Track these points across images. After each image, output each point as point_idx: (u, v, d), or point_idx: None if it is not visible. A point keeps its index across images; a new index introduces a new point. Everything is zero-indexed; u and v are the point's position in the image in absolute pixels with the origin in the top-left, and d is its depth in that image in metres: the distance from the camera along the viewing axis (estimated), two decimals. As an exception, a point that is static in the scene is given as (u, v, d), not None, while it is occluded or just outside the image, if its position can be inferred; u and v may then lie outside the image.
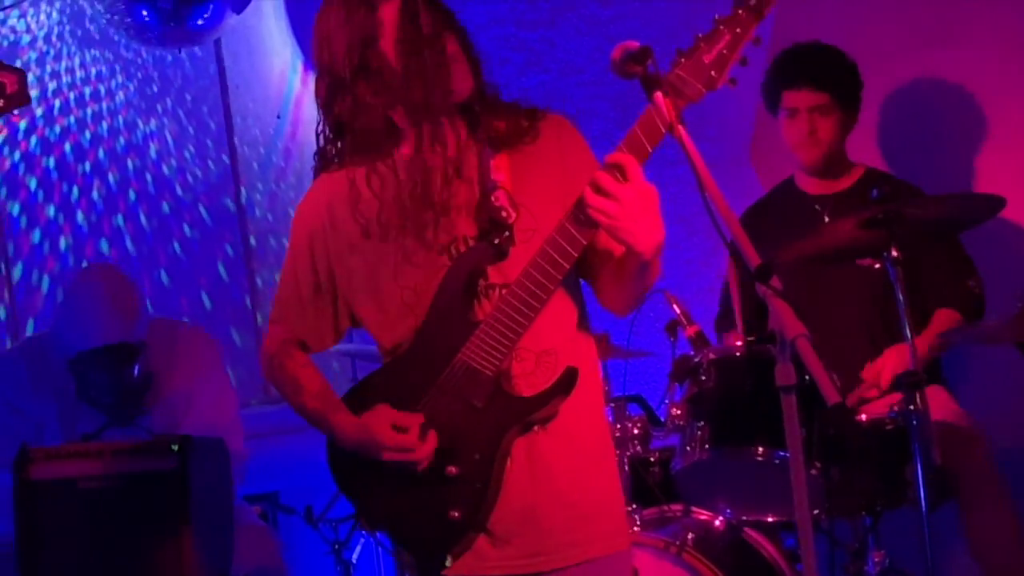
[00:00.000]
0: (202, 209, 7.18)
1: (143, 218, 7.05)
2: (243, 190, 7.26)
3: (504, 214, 3.54)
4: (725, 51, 3.35)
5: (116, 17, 6.39)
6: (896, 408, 4.79)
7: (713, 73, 3.35)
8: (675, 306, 5.26)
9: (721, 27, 3.37)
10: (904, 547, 4.93)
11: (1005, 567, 5.21)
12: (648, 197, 3.32)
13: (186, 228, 7.14)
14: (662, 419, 5.26)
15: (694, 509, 5.09)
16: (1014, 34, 6.19)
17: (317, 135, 3.77)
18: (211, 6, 6.49)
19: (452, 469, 3.52)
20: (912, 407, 4.68)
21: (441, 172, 3.57)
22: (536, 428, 3.55)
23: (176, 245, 7.07)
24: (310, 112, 7.35)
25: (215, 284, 7.15)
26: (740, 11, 3.37)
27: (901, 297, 4.73)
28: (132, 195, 7.05)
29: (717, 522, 5.03)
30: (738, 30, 3.36)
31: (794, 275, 4.63)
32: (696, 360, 4.97)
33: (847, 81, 5.67)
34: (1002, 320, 4.97)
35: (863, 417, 4.93)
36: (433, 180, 3.57)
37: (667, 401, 5.03)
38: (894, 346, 5.23)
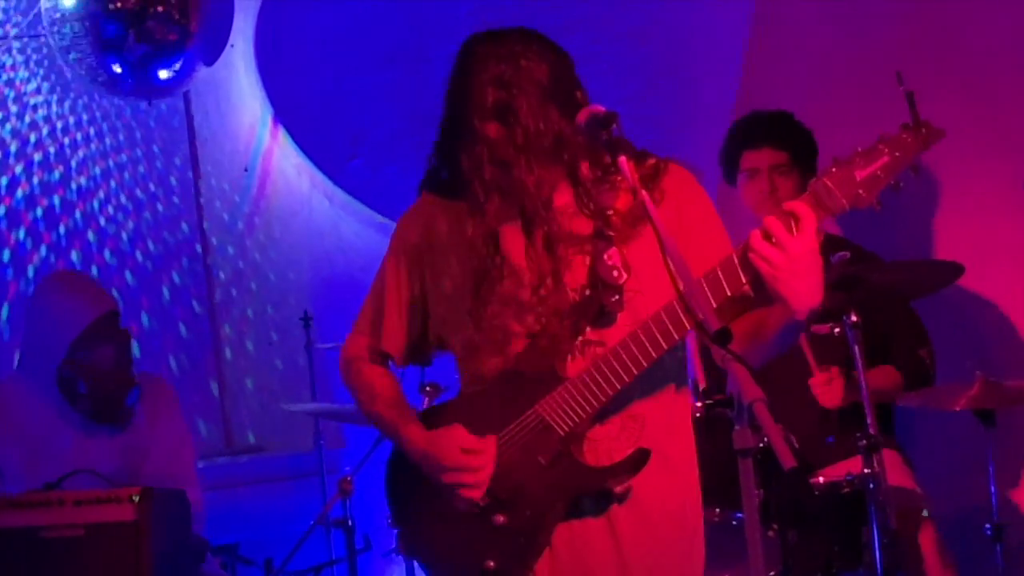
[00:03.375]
0: (168, 261, 7.18)
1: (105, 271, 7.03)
2: (212, 240, 7.26)
3: (616, 274, 3.47)
4: (880, 173, 3.26)
5: (87, 70, 6.41)
6: (853, 472, 4.84)
7: (862, 192, 3.26)
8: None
9: (882, 146, 3.28)
10: (859, 609, 4.96)
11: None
12: (816, 255, 3.24)
13: (152, 282, 7.14)
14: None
15: (652, 569, 5.09)
16: (972, 102, 6.26)
17: (434, 153, 3.66)
18: (181, 59, 6.51)
19: (500, 518, 3.50)
20: (869, 471, 4.72)
21: (558, 226, 3.51)
22: (615, 505, 3.52)
23: (142, 297, 7.06)
24: (279, 165, 7.38)
25: (180, 337, 7.14)
26: (906, 135, 3.29)
27: (859, 362, 4.78)
28: (106, 251, 7.04)
29: (674, 582, 5.04)
30: (898, 154, 3.27)
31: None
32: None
33: (805, 143, 5.72)
34: (959, 387, 5.03)
35: (820, 480, 4.96)
36: (552, 231, 3.51)
37: (628, 460, 5.04)
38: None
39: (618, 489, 3.51)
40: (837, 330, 4.91)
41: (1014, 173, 5.85)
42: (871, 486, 4.72)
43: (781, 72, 6.80)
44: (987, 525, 5.05)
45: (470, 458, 3.48)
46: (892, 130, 3.32)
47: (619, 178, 3.50)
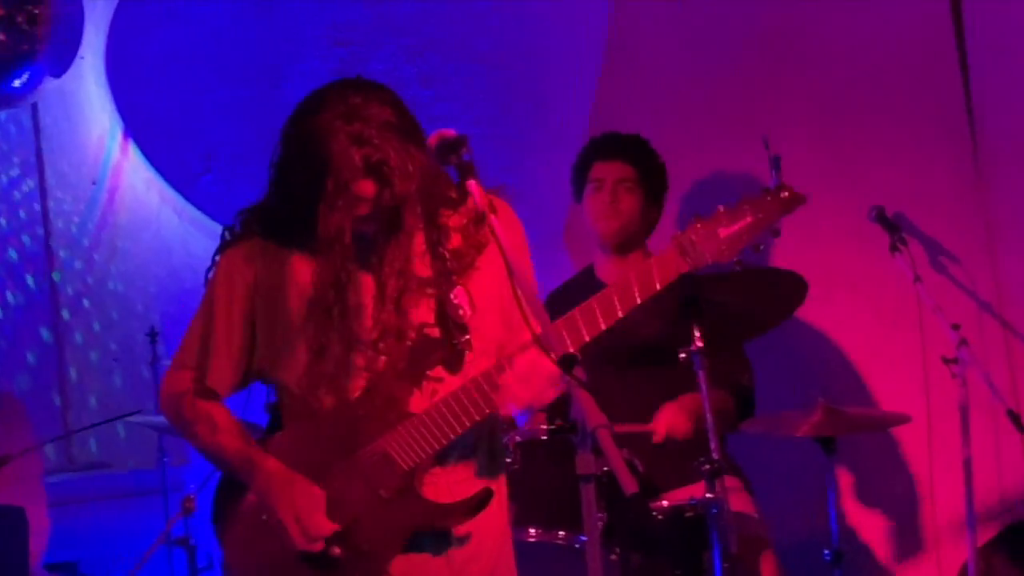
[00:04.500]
0: (12, 275, 7.08)
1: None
2: (58, 254, 7.17)
3: (462, 312, 3.49)
4: (743, 233, 3.36)
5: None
6: (696, 496, 4.88)
7: (724, 248, 3.35)
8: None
9: (746, 207, 3.37)
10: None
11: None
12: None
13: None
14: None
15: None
16: (819, 134, 6.36)
17: (271, 196, 3.59)
18: (29, 70, 6.43)
19: (337, 550, 3.47)
20: (711, 495, 4.77)
21: (399, 265, 3.49)
22: (454, 545, 3.53)
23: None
24: (128, 179, 7.30)
25: (23, 352, 7.04)
26: (769, 199, 3.39)
27: (704, 387, 4.83)
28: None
29: (518, 604, 5.05)
30: (761, 216, 3.37)
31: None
32: (503, 442, 5.00)
33: (655, 166, 5.75)
34: (801, 413, 5.10)
35: (664, 504, 4.99)
36: (402, 277, 3.50)
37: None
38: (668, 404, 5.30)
39: (458, 532, 3.53)
40: (683, 356, 4.94)
41: (858, 205, 5.94)
42: (714, 511, 4.77)
43: (634, 97, 6.86)
44: (826, 551, 5.12)
45: (309, 527, 3.46)
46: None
47: (448, 212, 3.55)
